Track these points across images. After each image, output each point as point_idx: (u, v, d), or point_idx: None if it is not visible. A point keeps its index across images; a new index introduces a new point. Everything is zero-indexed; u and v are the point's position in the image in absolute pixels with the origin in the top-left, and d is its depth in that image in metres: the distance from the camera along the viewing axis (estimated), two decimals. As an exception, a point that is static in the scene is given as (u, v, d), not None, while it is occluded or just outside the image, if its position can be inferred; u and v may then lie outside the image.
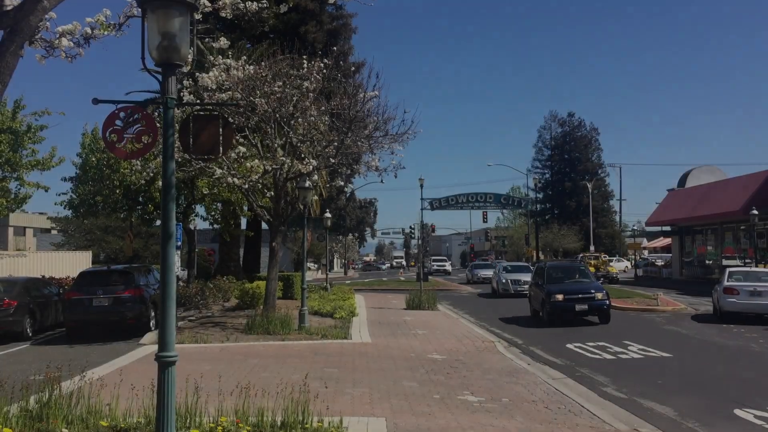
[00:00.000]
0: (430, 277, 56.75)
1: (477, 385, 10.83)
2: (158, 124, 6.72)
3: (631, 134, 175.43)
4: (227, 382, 10.11)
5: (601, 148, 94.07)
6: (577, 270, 23.36)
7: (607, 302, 20.13)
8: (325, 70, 17.92)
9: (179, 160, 16.11)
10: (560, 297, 20.04)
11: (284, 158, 17.85)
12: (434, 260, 77.37)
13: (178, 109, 14.37)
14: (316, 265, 77.96)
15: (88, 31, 7.55)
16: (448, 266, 76.99)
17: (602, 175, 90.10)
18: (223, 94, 16.90)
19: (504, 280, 34.38)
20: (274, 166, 17.83)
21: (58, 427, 7.27)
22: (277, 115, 17.55)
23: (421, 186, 42.82)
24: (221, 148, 6.19)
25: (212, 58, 17.52)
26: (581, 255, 61.54)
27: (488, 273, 43.30)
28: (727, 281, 21.02)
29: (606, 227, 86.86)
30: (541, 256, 61.32)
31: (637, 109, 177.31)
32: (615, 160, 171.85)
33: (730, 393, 10.67)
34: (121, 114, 6.03)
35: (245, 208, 28.70)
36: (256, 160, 18.19)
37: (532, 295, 22.90)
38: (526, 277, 32.69)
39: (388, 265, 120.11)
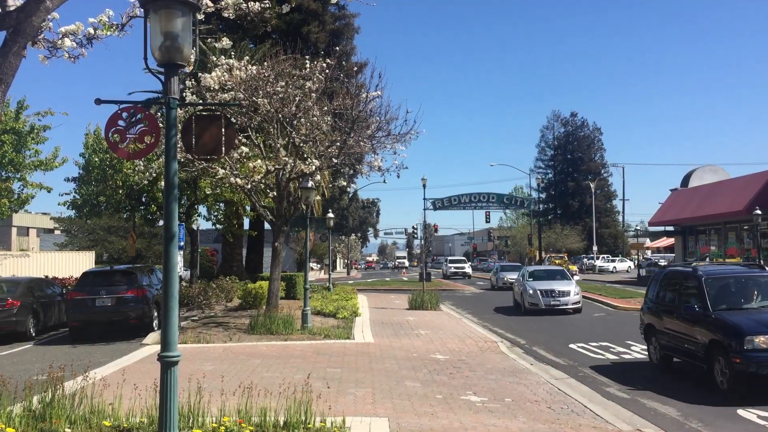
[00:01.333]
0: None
1: (480, 385, 10.82)
2: (161, 125, 6.72)
3: (634, 134, 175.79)
4: (230, 382, 10.13)
5: (604, 148, 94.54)
6: (762, 282, 11.99)
7: None
8: (327, 71, 17.93)
9: (182, 160, 16.13)
10: None
11: (287, 158, 17.86)
12: (451, 262, 67.81)
13: (180, 110, 14.40)
14: (318, 266, 78.12)
15: (91, 31, 7.56)
16: (467, 268, 64.14)
17: (605, 175, 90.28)
18: (226, 95, 16.92)
19: (531, 291, 24.94)
20: (277, 167, 17.84)
21: (61, 427, 7.28)
22: (280, 116, 17.57)
23: (424, 186, 42.66)
24: (224, 149, 6.20)
25: (215, 59, 17.55)
26: (547, 255, 61.76)
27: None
28: None
29: (609, 227, 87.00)
30: (544, 256, 61.17)
31: (640, 109, 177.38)
32: (618, 160, 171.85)
33: (733, 393, 10.64)
34: (124, 114, 6.04)
35: (248, 208, 28.77)
36: (259, 161, 18.20)
37: (658, 330, 12.92)
38: (563, 287, 24.94)
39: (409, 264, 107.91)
